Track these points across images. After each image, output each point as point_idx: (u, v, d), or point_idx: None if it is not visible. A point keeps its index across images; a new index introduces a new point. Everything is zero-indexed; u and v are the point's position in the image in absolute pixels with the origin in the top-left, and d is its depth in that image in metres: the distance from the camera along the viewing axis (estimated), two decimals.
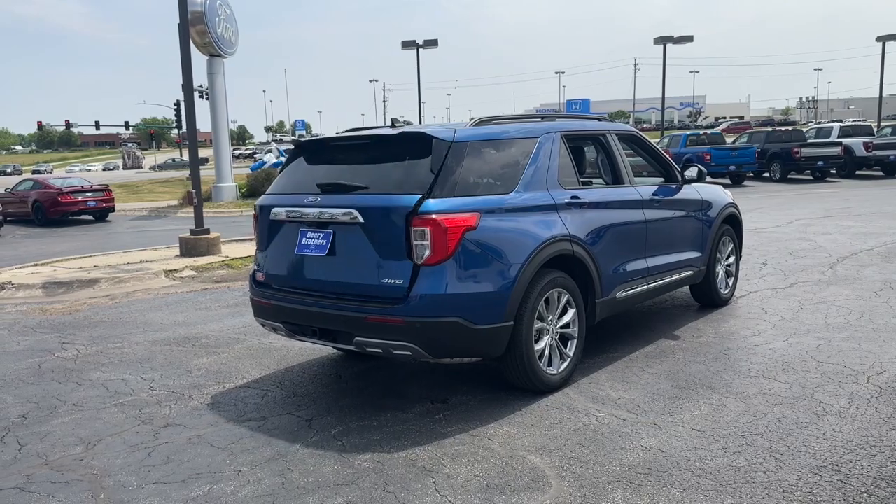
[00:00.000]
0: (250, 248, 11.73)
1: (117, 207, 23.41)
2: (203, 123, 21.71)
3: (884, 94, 44.69)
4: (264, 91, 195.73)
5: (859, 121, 46.93)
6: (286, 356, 5.71)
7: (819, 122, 57.32)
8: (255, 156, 52.46)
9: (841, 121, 43.66)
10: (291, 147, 5.23)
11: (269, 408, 4.57)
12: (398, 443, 3.88)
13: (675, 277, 5.88)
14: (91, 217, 22.27)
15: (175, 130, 52.49)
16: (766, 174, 24.25)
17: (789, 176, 23.48)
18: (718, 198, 6.60)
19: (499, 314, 4.16)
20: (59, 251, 13.81)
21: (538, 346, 4.45)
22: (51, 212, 20.89)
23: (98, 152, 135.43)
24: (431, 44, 41.21)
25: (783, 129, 31.26)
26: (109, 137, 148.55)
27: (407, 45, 41.37)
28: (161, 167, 68.86)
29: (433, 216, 3.97)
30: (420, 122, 37.01)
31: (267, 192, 4.93)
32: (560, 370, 4.60)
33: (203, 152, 18.07)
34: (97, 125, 52.08)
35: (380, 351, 4.24)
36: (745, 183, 23.41)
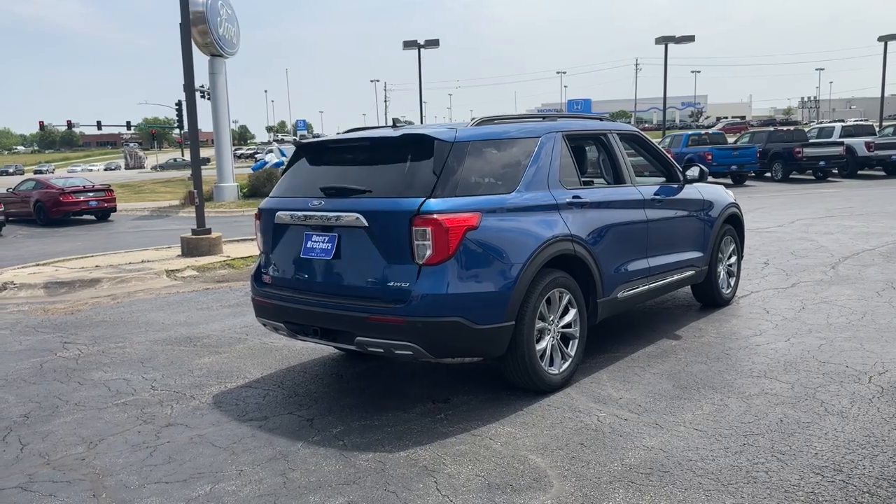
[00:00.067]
0: (252, 248, 11.74)
1: (119, 207, 23.44)
2: (205, 123, 21.78)
3: (886, 94, 44.62)
4: (266, 91, 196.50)
5: (861, 121, 46.92)
6: (288, 356, 5.71)
7: (821, 122, 57.30)
8: (255, 156, 52.46)
9: (843, 121, 43.64)
10: (292, 147, 5.23)
11: (270, 407, 4.57)
12: (400, 442, 3.89)
13: (676, 277, 5.87)
14: (93, 217, 22.30)
15: (177, 130, 52.52)
16: (768, 174, 24.23)
17: (791, 176, 23.45)
18: (720, 198, 6.59)
19: (500, 314, 4.16)
20: (61, 251, 13.83)
21: (539, 346, 4.45)
22: (53, 212, 20.92)
23: (100, 152, 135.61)
24: (433, 44, 41.21)
25: (785, 128, 31.21)
26: (111, 137, 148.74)
27: (408, 44, 41.37)
28: (163, 167, 68.94)
29: (435, 216, 3.97)
30: (421, 122, 37.04)
31: (270, 195, 4.93)
32: (561, 370, 4.60)
33: (205, 152, 18.02)
34: (99, 125, 52.14)
35: (381, 351, 4.24)
36: (747, 183, 23.39)
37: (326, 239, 4.38)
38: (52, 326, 7.28)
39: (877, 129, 29.08)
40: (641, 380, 4.69)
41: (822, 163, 22.72)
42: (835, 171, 23.54)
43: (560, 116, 5.45)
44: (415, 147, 4.32)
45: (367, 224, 4.16)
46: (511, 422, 4.09)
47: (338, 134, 5.17)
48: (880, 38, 41.91)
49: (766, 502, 3.06)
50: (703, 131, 28.73)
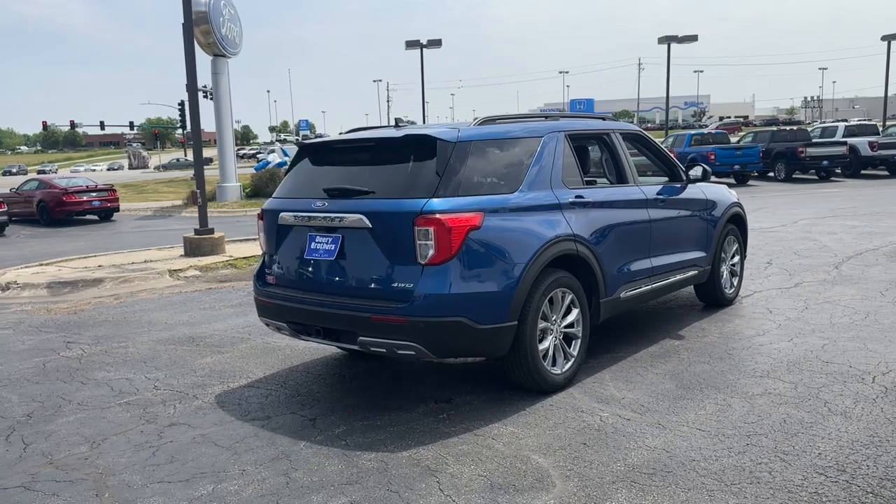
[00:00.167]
0: (254, 248, 11.75)
1: (122, 207, 23.47)
2: (207, 123, 21.72)
3: (889, 94, 44.53)
4: (268, 91, 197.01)
5: (864, 120, 46.79)
6: (290, 356, 5.71)
7: (824, 122, 57.16)
8: (258, 156, 52.49)
9: (846, 120, 43.58)
10: (295, 147, 5.24)
11: (273, 407, 4.57)
12: (402, 442, 3.88)
13: (679, 277, 5.86)
14: (96, 217, 22.33)
15: (179, 130, 52.65)
16: (771, 174, 24.20)
17: (794, 175, 23.42)
18: (723, 197, 6.58)
19: (503, 314, 4.16)
20: (64, 251, 13.85)
21: (542, 346, 4.44)
22: (56, 212, 20.95)
23: (103, 152, 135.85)
24: (435, 44, 41.23)
25: (788, 128, 31.16)
26: (114, 137, 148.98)
27: (411, 44, 41.41)
28: (165, 167, 69.00)
29: (437, 216, 3.97)
30: (424, 122, 37.03)
31: (273, 196, 4.94)
32: (564, 370, 4.60)
33: (207, 152, 18.04)
34: (102, 125, 52.17)
35: (384, 351, 4.24)
36: (750, 183, 23.36)
37: (330, 240, 4.38)
38: (55, 326, 7.29)
39: (880, 128, 29.01)
40: (644, 380, 4.68)
41: (825, 162, 22.68)
42: (838, 170, 23.49)
43: (562, 116, 5.45)
44: (417, 147, 4.32)
45: (370, 225, 4.16)
46: (514, 422, 4.09)
47: (340, 134, 5.17)
48: (884, 38, 41.86)
49: (770, 502, 3.05)
50: (705, 131, 28.69)
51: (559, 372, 4.56)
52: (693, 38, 41.04)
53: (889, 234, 10.39)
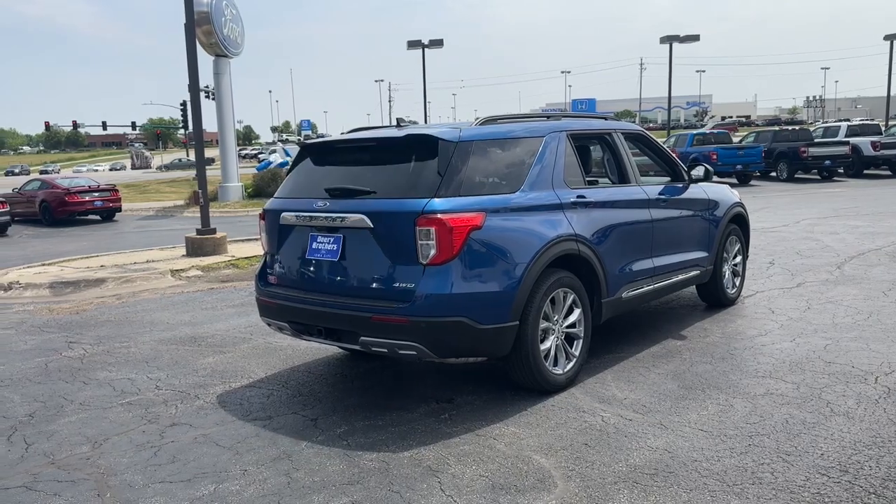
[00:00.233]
0: (256, 248, 11.75)
1: (124, 207, 23.49)
2: (209, 123, 21.78)
3: (892, 94, 44.43)
4: (270, 91, 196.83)
5: (867, 120, 46.72)
6: (292, 356, 5.71)
7: (826, 122, 57.08)
8: (259, 156, 52.52)
9: (848, 120, 43.51)
10: (296, 147, 5.24)
11: (274, 407, 4.57)
12: (403, 442, 3.88)
13: (681, 277, 5.86)
14: (98, 217, 22.36)
15: (181, 131, 52.63)
16: (773, 174, 24.17)
17: (796, 175, 23.38)
18: (725, 197, 6.57)
19: (504, 314, 4.15)
20: (67, 251, 13.86)
21: (544, 346, 4.44)
22: (58, 212, 20.98)
23: (105, 152, 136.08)
24: (437, 44, 41.20)
25: (790, 128, 31.11)
26: (116, 138, 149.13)
27: (412, 44, 41.37)
28: (167, 167, 69.11)
29: (438, 216, 3.97)
30: (426, 122, 37.03)
31: (275, 196, 4.94)
32: (566, 370, 4.59)
33: (209, 152, 18.07)
34: (104, 125, 52.25)
35: (385, 351, 4.24)
36: (752, 182, 23.33)
37: (332, 240, 4.38)
38: (58, 326, 7.30)
39: (883, 128, 28.95)
40: (646, 380, 4.68)
41: (827, 162, 22.65)
42: (840, 170, 23.47)
43: (564, 116, 5.44)
44: (419, 147, 4.31)
45: (371, 225, 4.16)
46: (515, 422, 4.09)
47: (342, 134, 5.17)
48: (886, 38, 41.74)
49: (772, 503, 3.04)
50: (706, 131, 28.67)
51: (561, 372, 4.55)
52: (695, 38, 40.95)
53: (892, 234, 10.37)
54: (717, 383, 4.55)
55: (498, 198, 4.31)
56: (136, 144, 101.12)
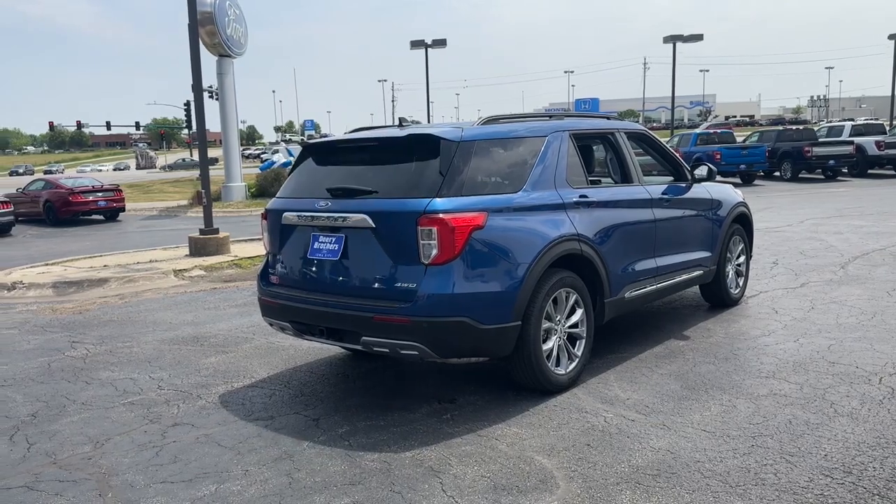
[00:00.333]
0: (259, 248, 11.75)
1: (128, 207, 23.52)
2: (213, 123, 21.85)
3: None
4: (273, 91, 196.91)
5: (871, 119, 46.58)
6: (294, 355, 5.71)
7: (830, 121, 56.91)
8: (262, 156, 52.57)
9: (853, 119, 43.34)
10: (299, 147, 5.24)
11: (276, 407, 4.57)
12: (405, 443, 3.87)
13: (684, 277, 5.84)
14: (102, 217, 22.39)
15: (185, 131, 52.78)
16: (777, 173, 24.10)
17: (800, 175, 23.32)
18: (729, 197, 6.55)
19: (506, 314, 4.14)
20: (70, 251, 13.89)
21: (546, 346, 4.43)
22: (62, 212, 21.01)
23: (109, 152, 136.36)
24: (440, 43, 41.22)
25: (794, 127, 31.04)
26: (120, 138, 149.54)
27: (415, 44, 41.40)
28: (171, 167, 69.25)
29: (440, 216, 3.96)
30: (429, 122, 37.01)
31: (277, 196, 4.93)
32: (568, 370, 4.58)
33: (213, 152, 18.13)
34: (108, 126, 52.40)
35: (387, 350, 4.23)
36: (756, 182, 23.28)
37: (333, 240, 4.38)
38: (61, 326, 7.31)
39: (887, 127, 28.86)
40: (649, 380, 4.66)
41: (831, 162, 22.58)
42: (844, 170, 23.40)
43: (567, 115, 5.43)
44: (421, 147, 4.31)
45: (373, 225, 4.15)
46: (517, 422, 4.08)
47: (344, 134, 5.16)
48: (890, 37, 41.67)
49: None
50: (711, 131, 28.61)
51: (563, 372, 4.54)
52: (698, 38, 40.95)
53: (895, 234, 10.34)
54: (720, 384, 4.53)
55: (500, 197, 4.30)
56: (141, 144, 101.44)
